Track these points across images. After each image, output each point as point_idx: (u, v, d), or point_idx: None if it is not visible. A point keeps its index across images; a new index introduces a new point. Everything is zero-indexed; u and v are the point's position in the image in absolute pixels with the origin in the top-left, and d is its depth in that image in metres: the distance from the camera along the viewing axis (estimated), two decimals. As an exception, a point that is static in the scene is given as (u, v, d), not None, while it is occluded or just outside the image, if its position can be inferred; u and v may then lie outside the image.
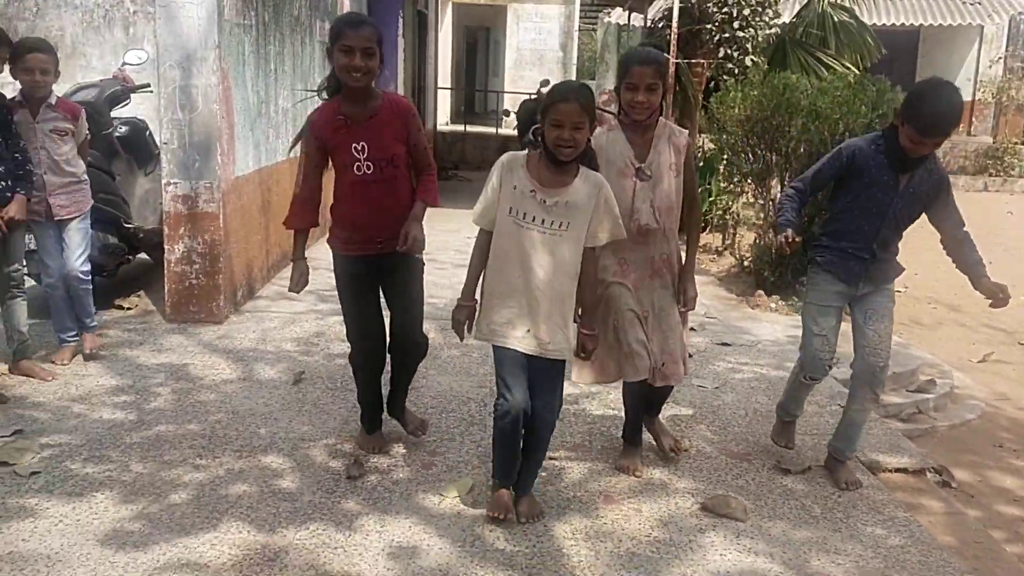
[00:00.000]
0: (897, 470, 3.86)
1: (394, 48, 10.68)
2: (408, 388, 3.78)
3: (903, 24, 20.27)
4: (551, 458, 3.53)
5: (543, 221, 2.91)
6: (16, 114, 4.20)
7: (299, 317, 5.65)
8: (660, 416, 3.82)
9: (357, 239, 3.40)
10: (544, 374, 3.01)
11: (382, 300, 3.56)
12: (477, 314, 3.06)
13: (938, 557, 3.08)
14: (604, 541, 3.06)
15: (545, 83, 13.91)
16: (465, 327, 3.07)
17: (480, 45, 25.21)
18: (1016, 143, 18.96)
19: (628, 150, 3.36)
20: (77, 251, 4.46)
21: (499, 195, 2.97)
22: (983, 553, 3.29)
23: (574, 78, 19.60)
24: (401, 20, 10.29)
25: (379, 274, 3.49)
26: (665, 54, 3.50)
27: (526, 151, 3.03)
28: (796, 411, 3.82)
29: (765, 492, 3.51)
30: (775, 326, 6.15)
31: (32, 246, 4.51)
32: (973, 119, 21.03)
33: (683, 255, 3.52)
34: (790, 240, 3.28)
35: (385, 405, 3.74)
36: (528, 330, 2.95)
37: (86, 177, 4.54)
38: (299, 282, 3.48)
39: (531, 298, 2.94)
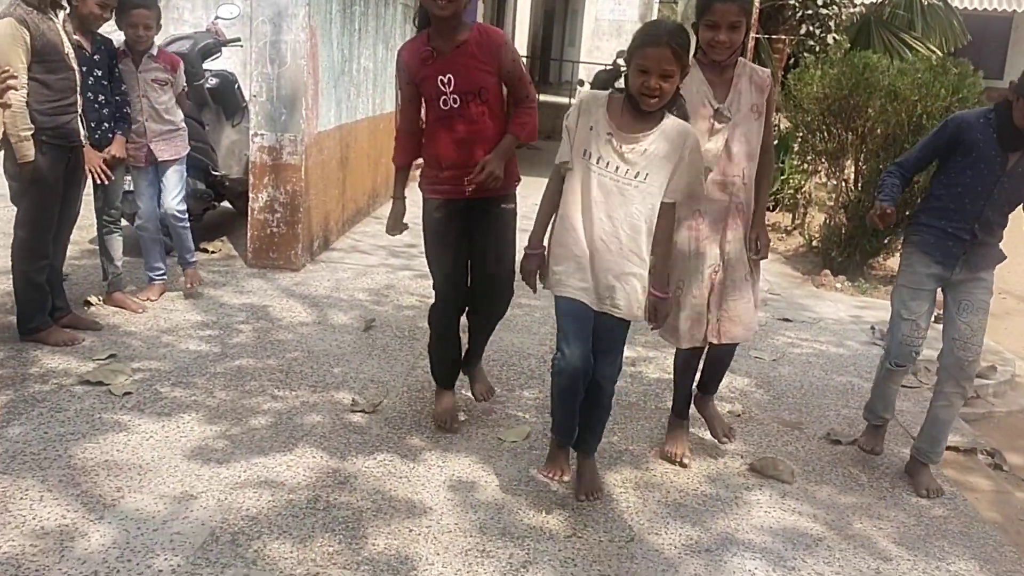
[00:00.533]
0: (948, 448, 3.90)
1: (472, 15, 10.78)
2: (486, 343, 3.72)
3: (995, 9, 19.58)
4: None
5: (617, 168, 2.70)
6: (121, 63, 4.47)
7: (371, 270, 5.88)
8: (715, 398, 3.60)
9: (445, 180, 3.26)
10: (606, 332, 2.82)
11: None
12: (546, 263, 2.89)
13: (979, 530, 3.16)
14: (652, 491, 3.21)
15: (621, 54, 13.88)
16: (536, 276, 2.91)
17: (558, 15, 25.15)
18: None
19: (707, 89, 3.07)
20: (174, 191, 4.74)
21: (575, 134, 2.77)
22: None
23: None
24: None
25: (468, 221, 3.32)
26: None
27: (609, 91, 2.81)
28: (885, 412, 3.60)
29: (814, 459, 3.61)
30: (839, 305, 6.17)
31: (129, 187, 4.81)
32: None
33: (753, 202, 3.22)
34: (886, 212, 3.19)
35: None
36: (588, 282, 2.77)
37: (184, 125, 4.81)
38: (396, 225, 3.41)
39: (594, 248, 2.73)
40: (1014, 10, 19.84)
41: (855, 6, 10.75)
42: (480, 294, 3.44)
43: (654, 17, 20.43)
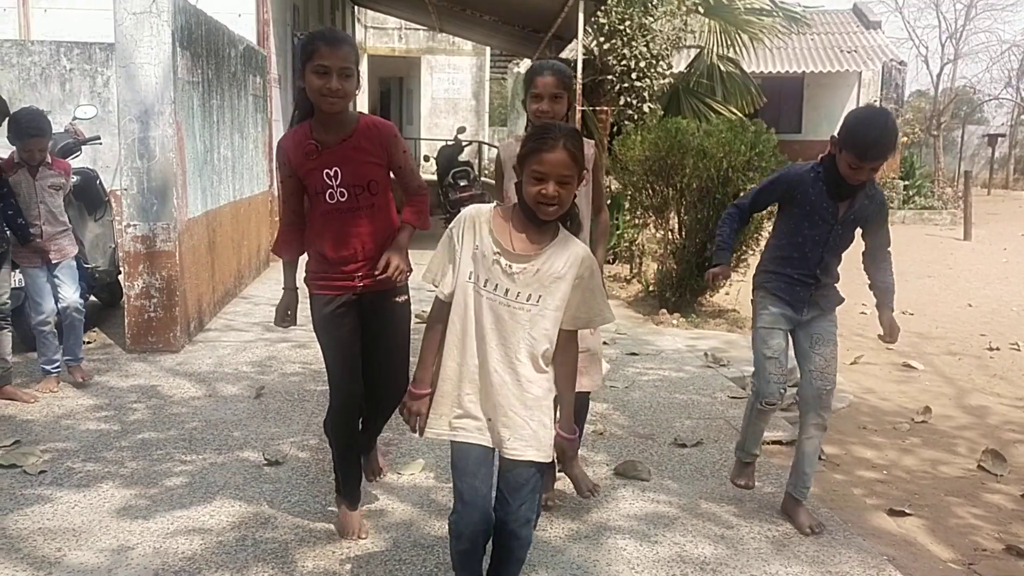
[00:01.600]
0: (774, 442, 4.66)
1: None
2: (380, 432, 3.64)
3: (788, 71, 21.94)
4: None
5: (507, 291, 2.39)
6: (13, 173, 4.74)
7: (249, 345, 6.19)
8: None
9: (334, 275, 3.13)
10: (515, 478, 2.45)
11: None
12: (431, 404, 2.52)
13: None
14: (536, 499, 3.74)
15: (462, 129, 14.74)
16: (423, 419, 2.52)
17: (394, 94, 26.06)
18: (893, 177, 20.67)
19: None
20: (73, 285, 5.01)
21: (459, 256, 2.45)
22: (838, 498, 4.11)
23: (487, 125, 20.56)
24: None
25: (361, 316, 3.20)
26: (569, 69, 3.38)
27: (493, 204, 2.57)
28: (755, 449, 3.75)
29: (665, 460, 4.26)
30: (676, 338, 6.99)
31: (17, 285, 5.01)
32: (855, 158, 22.76)
33: None
34: (719, 276, 3.48)
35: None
36: (488, 420, 2.43)
37: (70, 224, 5.09)
38: (283, 318, 3.27)
39: (488, 383, 2.42)
40: (804, 71, 22.27)
41: (664, 78, 12.04)
42: (374, 387, 3.29)
43: (487, 94, 21.63)
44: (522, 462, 2.43)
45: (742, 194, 3.67)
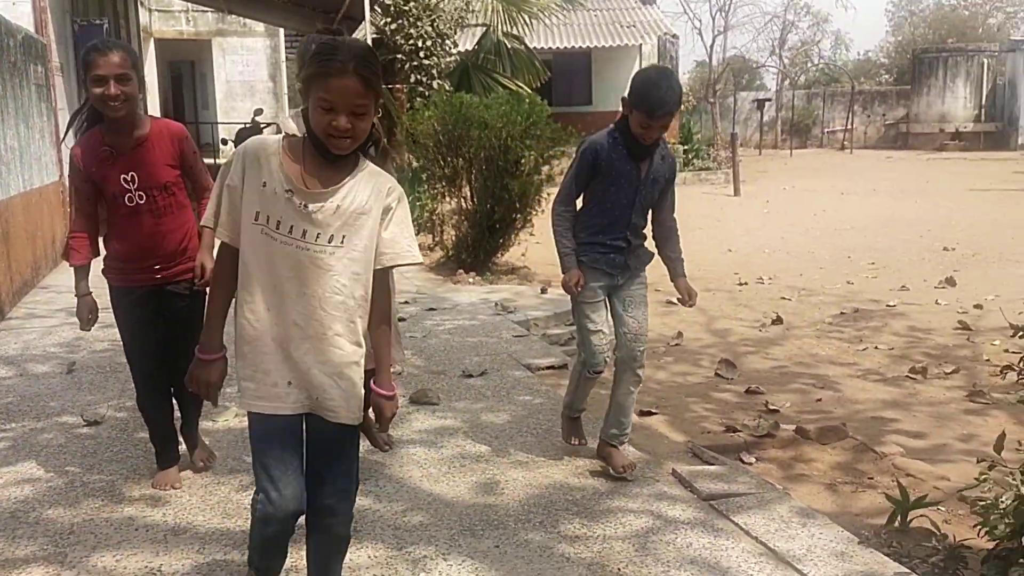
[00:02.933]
0: (548, 367, 5.44)
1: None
2: (199, 415, 3.74)
3: (577, 47, 23.23)
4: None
5: (304, 233, 2.12)
6: None
7: (55, 329, 6.32)
8: None
9: (133, 270, 3.32)
10: (325, 442, 2.23)
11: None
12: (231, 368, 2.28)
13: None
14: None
15: (259, 111, 14.81)
16: (216, 388, 2.28)
17: (186, 79, 25.26)
18: (673, 142, 22.48)
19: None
20: None
21: (241, 195, 2.14)
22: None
23: (287, 107, 20.51)
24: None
25: (159, 306, 3.38)
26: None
27: (280, 135, 2.34)
28: (581, 406, 3.88)
29: (454, 388, 4.94)
30: (471, 294, 7.71)
31: None
32: (642, 125, 24.51)
33: None
34: (576, 285, 3.51)
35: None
36: (290, 382, 2.17)
37: None
38: (87, 320, 3.40)
39: (288, 337, 2.15)
40: (590, 46, 23.62)
41: (451, 56, 12.71)
42: (178, 372, 3.20)
43: (284, 75, 21.50)
44: (333, 427, 2.20)
45: (554, 194, 3.71)
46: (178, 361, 3.24)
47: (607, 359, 3.67)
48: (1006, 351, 2.51)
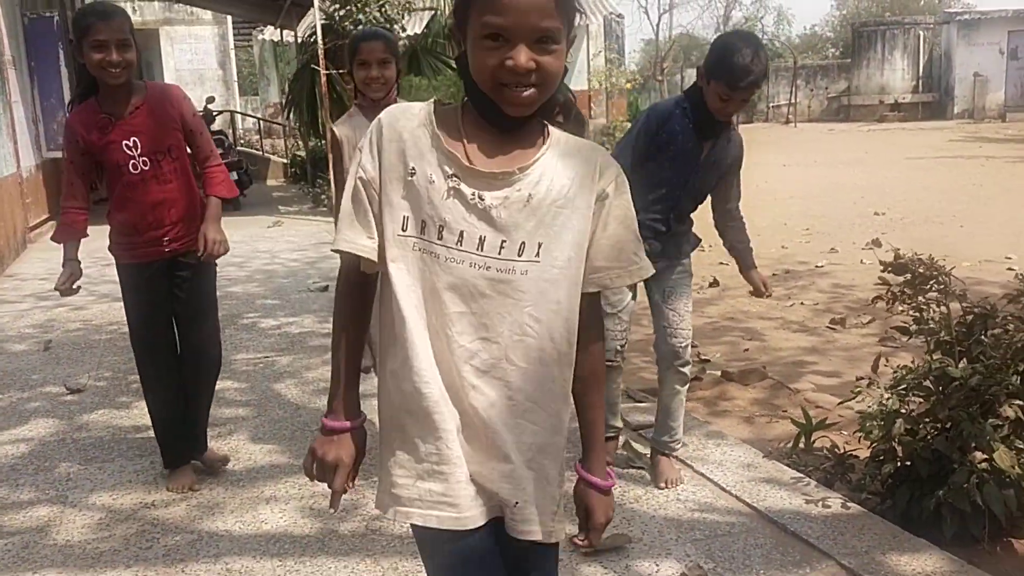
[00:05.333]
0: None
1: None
2: (208, 413, 3.57)
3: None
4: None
5: (482, 242, 1.38)
6: None
7: (26, 313, 6.59)
8: None
9: (140, 243, 3.19)
10: (524, 562, 1.52)
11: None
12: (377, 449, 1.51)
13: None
14: (307, 387, 4.68)
15: (211, 99, 14.95)
16: (346, 478, 1.47)
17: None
18: (623, 121, 22.98)
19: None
20: None
21: (377, 190, 1.42)
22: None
23: (237, 95, 20.62)
24: (61, 50, 10.95)
25: (168, 280, 3.26)
26: (391, 32, 3.45)
27: (429, 101, 1.48)
28: (615, 421, 3.46)
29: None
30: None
31: None
32: (592, 104, 25.04)
33: None
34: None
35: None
36: (470, 483, 1.43)
37: None
38: (66, 281, 3.18)
39: (473, 415, 1.41)
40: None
41: (401, 40, 12.99)
42: (189, 353, 3.36)
43: (233, 63, 21.56)
44: (525, 548, 1.48)
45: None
46: (183, 345, 3.31)
47: (620, 346, 3.36)
48: (903, 291, 2.95)
